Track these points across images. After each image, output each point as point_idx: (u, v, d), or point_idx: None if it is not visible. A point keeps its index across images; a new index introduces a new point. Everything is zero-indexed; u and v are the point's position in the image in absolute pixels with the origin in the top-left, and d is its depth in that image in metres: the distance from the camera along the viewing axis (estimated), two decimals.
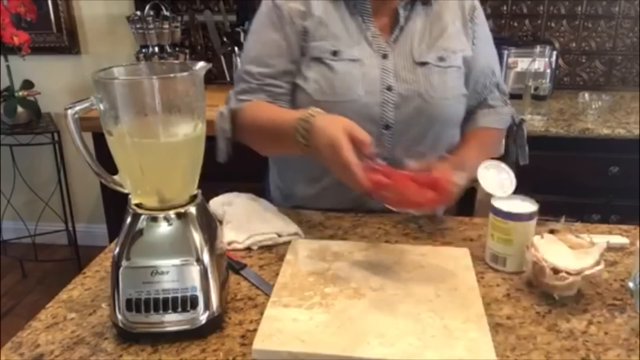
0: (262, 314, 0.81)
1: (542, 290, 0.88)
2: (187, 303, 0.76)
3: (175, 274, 0.76)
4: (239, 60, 2.26)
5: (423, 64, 1.12)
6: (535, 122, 1.99)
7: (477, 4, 1.21)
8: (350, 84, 1.10)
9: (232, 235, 1.03)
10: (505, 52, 2.25)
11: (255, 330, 0.78)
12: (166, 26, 2.32)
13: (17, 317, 2.45)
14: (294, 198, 1.23)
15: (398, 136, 1.13)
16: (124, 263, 0.76)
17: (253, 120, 1.12)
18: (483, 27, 1.22)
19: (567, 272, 0.83)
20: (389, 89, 1.11)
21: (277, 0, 1.14)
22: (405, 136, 1.13)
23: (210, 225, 0.82)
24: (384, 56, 1.12)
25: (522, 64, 2.22)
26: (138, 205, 0.79)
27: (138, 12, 2.33)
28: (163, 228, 0.77)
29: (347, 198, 1.14)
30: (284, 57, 1.13)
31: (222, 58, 2.36)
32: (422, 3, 1.15)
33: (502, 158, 1.36)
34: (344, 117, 0.93)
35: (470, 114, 1.25)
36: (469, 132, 1.25)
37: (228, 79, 2.34)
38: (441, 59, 1.13)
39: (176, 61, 2.26)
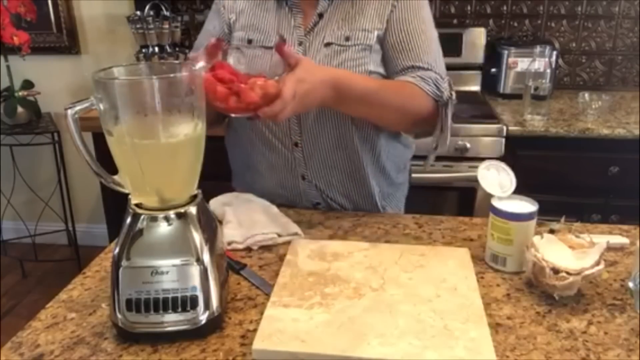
0: (262, 314, 0.81)
1: (542, 290, 0.88)
2: (187, 303, 0.76)
3: (175, 274, 0.76)
4: None
5: (328, 44, 1.14)
6: (535, 122, 2.00)
7: None
8: (256, 68, 1.14)
9: (232, 235, 1.03)
10: (505, 52, 2.26)
11: (255, 330, 0.78)
12: (166, 26, 2.32)
13: (17, 317, 2.45)
14: (249, 188, 1.24)
15: (304, 117, 1.15)
16: (124, 263, 0.76)
17: None
18: (407, 10, 1.15)
19: (567, 272, 0.83)
20: None
21: None
22: (311, 117, 1.15)
23: (210, 225, 0.82)
24: (300, 43, 1.16)
25: (522, 64, 2.22)
26: (138, 205, 0.79)
27: (138, 12, 2.33)
28: (163, 228, 0.77)
29: (280, 183, 1.21)
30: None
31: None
32: None
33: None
34: None
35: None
36: None
37: None
38: (347, 38, 1.14)
39: (176, 61, 2.25)
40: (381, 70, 1.17)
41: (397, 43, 1.15)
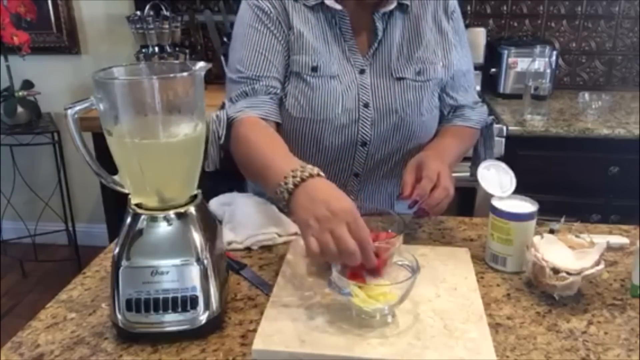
0: (262, 314, 0.81)
1: (542, 290, 0.88)
2: (187, 303, 0.76)
3: (175, 274, 0.76)
4: None
5: (400, 79, 1.11)
6: (535, 122, 1.99)
7: (454, 4, 1.19)
8: (329, 103, 1.08)
9: (232, 235, 1.03)
10: (505, 52, 2.26)
11: (255, 330, 0.78)
12: (166, 26, 2.32)
13: (17, 317, 2.45)
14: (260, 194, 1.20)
15: (373, 152, 1.14)
16: (124, 263, 0.76)
17: (246, 149, 1.02)
18: (461, 29, 1.21)
19: (567, 272, 0.83)
20: (366, 105, 1.10)
21: (262, 3, 1.08)
22: (380, 152, 1.15)
23: (210, 225, 0.82)
24: (361, 71, 1.10)
25: (522, 64, 2.22)
26: (138, 205, 0.79)
27: (138, 12, 2.33)
28: (163, 228, 0.77)
29: None
30: (280, 57, 1.09)
31: (222, 58, 2.36)
32: (400, 11, 1.11)
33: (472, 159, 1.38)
34: (322, 194, 0.82)
35: (446, 117, 1.24)
36: (443, 128, 1.22)
37: None
38: (419, 73, 1.11)
39: (176, 61, 2.26)
40: (438, 103, 1.19)
41: (464, 69, 1.20)
